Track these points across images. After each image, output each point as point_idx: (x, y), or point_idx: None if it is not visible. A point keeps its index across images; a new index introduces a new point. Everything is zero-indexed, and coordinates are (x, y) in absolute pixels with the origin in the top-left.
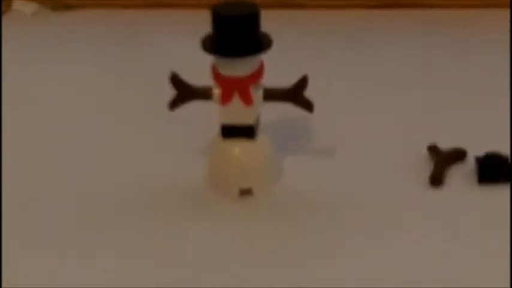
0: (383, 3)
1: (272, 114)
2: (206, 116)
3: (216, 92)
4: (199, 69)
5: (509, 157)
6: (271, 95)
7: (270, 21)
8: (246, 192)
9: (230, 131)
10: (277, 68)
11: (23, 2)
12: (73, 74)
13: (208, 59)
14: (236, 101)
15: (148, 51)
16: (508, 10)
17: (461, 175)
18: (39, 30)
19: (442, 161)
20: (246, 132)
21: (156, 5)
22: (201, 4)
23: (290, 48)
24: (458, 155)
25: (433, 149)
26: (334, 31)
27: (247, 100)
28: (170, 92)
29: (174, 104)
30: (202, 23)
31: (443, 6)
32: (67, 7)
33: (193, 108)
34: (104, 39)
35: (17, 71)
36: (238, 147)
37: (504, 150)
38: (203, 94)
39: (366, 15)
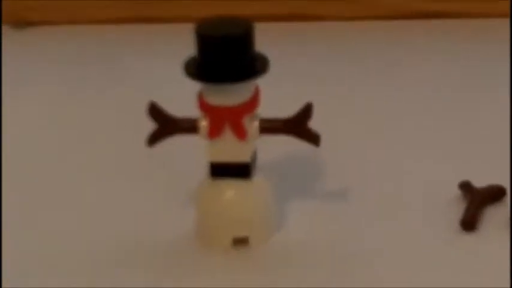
0: (408, 14)
1: (270, 150)
2: (192, 153)
3: (204, 124)
4: (183, 97)
5: None
6: (269, 126)
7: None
8: (240, 242)
9: (221, 171)
10: (276, 95)
11: None
12: (34, 103)
13: (194, 85)
14: (227, 134)
15: (122, 75)
16: None
17: (498, 218)
18: None
19: (477, 201)
20: (240, 171)
21: (132, 19)
22: (186, 17)
23: (290, 72)
24: (495, 194)
25: (465, 187)
26: (340, 46)
27: (240, 133)
28: (149, 125)
29: (154, 139)
30: (186, 40)
31: (475, 16)
32: (30, 23)
33: (176, 144)
34: (71, 61)
35: None
36: (231, 189)
37: None
38: (188, 127)
39: (388, 27)
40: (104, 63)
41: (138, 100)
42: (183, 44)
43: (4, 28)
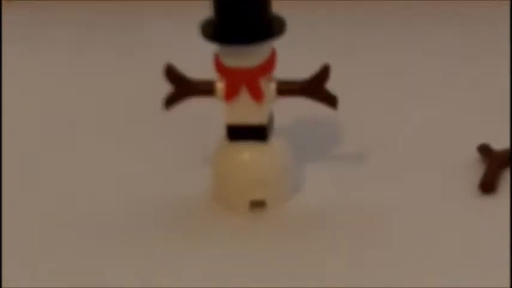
0: None
1: (287, 112)
2: (209, 115)
3: (220, 86)
4: (199, 60)
5: None
6: (286, 88)
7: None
8: (258, 205)
9: (238, 133)
10: (292, 57)
11: None
12: (54, 71)
13: (210, 48)
14: (244, 96)
15: (140, 41)
16: None
17: None
18: (11, 20)
19: (495, 164)
20: (257, 133)
21: None
22: None
23: (308, 34)
24: None
25: (484, 150)
26: (367, 17)
27: (257, 95)
28: (166, 88)
29: (171, 101)
30: (201, 9)
31: None
32: None
33: (193, 106)
34: (89, 31)
35: None
36: (247, 151)
37: None
38: (204, 89)
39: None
40: (120, 32)
41: (155, 63)
42: (197, 10)
43: None
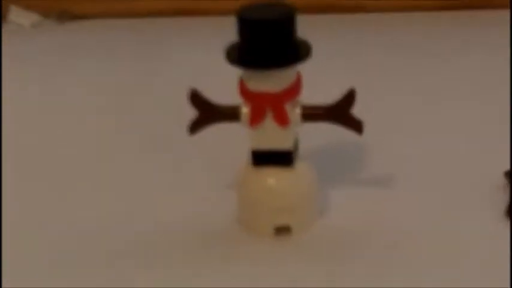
0: (451, 5)
1: (312, 138)
2: (234, 141)
3: (245, 111)
4: (224, 85)
5: None
6: (312, 113)
7: (309, 26)
8: (283, 230)
9: (263, 158)
10: (317, 82)
11: (20, 12)
12: (79, 93)
13: (235, 72)
14: (269, 121)
15: (165, 65)
16: None
17: None
18: (40, 44)
19: None
20: (282, 158)
21: (175, 12)
22: (225, 9)
23: (333, 58)
24: None
25: (510, 175)
26: (392, 40)
27: (282, 120)
28: (190, 113)
29: (195, 126)
30: (227, 31)
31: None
32: (74, 16)
33: (218, 131)
34: (114, 53)
35: (16, 88)
36: (273, 176)
37: None
38: (229, 114)
39: (431, 18)
40: (146, 55)
41: (180, 88)
42: (224, 35)
43: (48, 22)
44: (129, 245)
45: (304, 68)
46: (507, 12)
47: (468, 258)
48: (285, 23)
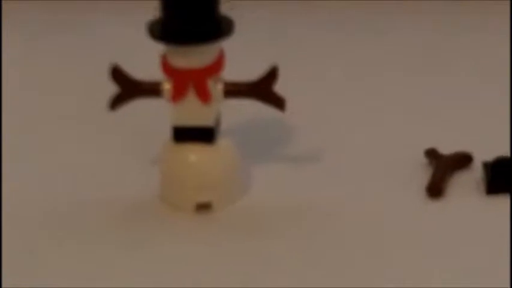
0: None
1: (235, 114)
2: (155, 116)
3: (167, 87)
4: (146, 60)
5: None
6: (233, 90)
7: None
8: (204, 207)
9: (184, 134)
10: (240, 58)
11: None
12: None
13: (158, 48)
14: (191, 97)
15: (87, 40)
16: None
17: (465, 184)
18: None
19: (443, 168)
20: (204, 135)
21: None
22: None
23: (257, 34)
24: (461, 161)
25: (431, 154)
26: (317, 18)
27: (204, 96)
28: (112, 89)
29: (116, 102)
30: (149, 7)
31: None
32: None
33: (139, 107)
34: (36, 30)
35: None
36: (194, 153)
37: None
38: (151, 90)
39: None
40: (67, 31)
41: (102, 64)
42: (145, 11)
43: None
44: (49, 222)
45: (227, 45)
46: None
47: (390, 234)
48: None
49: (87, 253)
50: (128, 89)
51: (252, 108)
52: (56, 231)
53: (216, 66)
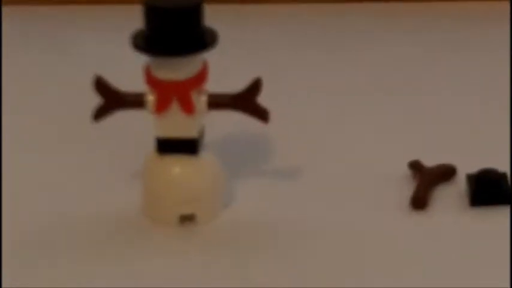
0: None
1: (218, 126)
2: (139, 128)
3: (150, 98)
4: (130, 72)
5: (508, 174)
6: (217, 101)
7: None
8: (188, 219)
9: (168, 146)
10: (224, 71)
11: None
12: None
13: (141, 60)
14: (175, 109)
15: (71, 53)
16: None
17: (449, 196)
18: None
19: (426, 180)
20: (188, 147)
21: (82, 1)
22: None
23: (241, 47)
24: (445, 173)
25: (415, 166)
26: (298, 27)
27: (188, 108)
28: (95, 100)
29: (100, 113)
30: (134, 20)
31: None
32: None
33: (122, 119)
34: (19, 39)
35: None
36: (177, 165)
37: (501, 167)
38: (134, 101)
39: (336, 10)
40: (51, 42)
41: (86, 75)
42: (131, 23)
43: None
44: (31, 236)
45: (211, 57)
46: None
47: (373, 247)
48: (192, 11)
49: (69, 268)
50: (111, 100)
51: (235, 120)
52: (37, 246)
53: (200, 77)
